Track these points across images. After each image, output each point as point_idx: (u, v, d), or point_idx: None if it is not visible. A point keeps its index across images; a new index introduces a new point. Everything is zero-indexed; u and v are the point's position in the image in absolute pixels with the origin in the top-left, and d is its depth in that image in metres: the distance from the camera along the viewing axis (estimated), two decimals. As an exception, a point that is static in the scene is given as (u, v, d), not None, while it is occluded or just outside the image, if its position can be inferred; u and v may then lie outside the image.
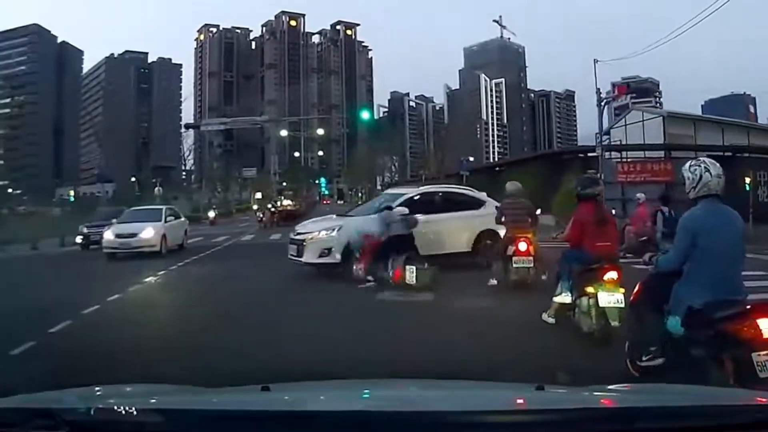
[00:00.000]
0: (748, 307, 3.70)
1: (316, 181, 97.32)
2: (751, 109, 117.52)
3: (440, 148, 69.26)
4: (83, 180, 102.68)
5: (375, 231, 10.73)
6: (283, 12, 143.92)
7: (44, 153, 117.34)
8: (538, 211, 10.78)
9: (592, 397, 2.13)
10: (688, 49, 63.81)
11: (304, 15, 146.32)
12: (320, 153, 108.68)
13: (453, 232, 11.99)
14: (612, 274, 6.24)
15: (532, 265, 9.58)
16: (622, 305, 5.89)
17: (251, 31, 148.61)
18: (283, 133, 62.39)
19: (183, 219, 20.72)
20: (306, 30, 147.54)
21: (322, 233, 11.54)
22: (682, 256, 4.02)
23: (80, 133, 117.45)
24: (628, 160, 28.52)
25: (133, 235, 16.95)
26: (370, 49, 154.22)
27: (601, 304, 6.13)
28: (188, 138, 78.78)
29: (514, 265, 9.57)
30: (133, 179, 75.27)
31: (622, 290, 5.99)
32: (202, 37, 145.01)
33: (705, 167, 4.00)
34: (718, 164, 4.05)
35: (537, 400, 2.00)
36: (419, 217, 11.06)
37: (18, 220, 40.77)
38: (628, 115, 35.66)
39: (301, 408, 1.94)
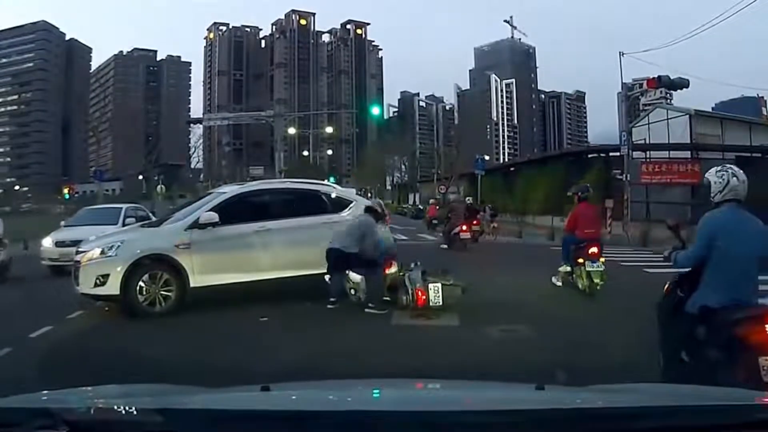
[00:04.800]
0: (761, 312, 3.75)
1: (325, 180, 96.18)
2: (764, 111, 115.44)
3: (451, 147, 68.24)
4: (91, 178, 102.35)
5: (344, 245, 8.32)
6: (293, 11, 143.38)
7: (52, 150, 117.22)
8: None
9: (592, 397, 2.16)
10: (695, 52, 62.61)
11: (314, 14, 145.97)
12: (329, 152, 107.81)
13: (297, 246, 8.69)
14: (593, 249, 9.45)
15: (469, 237, 18.68)
16: (602, 269, 9.41)
17: (261, 29, 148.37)
18: (291, 131, 61.42)
19: (153, 221, 15.55)
20: (316, 29, 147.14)
21: (96, 252, 8.30)
22: (700, 254, 4.01)
23: (88, 131, 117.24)
24: (652, 159, 27.30)
25: (77, 243, 12.12)
26: (381, 49, 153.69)
27: (587, 269, 9.44)
28: (195, 135, 78.18)
29: (461, 237, 18.31)
30: (140, 177, 74.52)
31: (603, 259, 9.56)
32: (211, 35, 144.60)
33: (732, 173, 4.03)
34: (742, 171, 4.09)
35: (537, 400, 2.02)
36: (243, 226, 8.59)
37: (20, 218, 39.88)
38: (652, 113, 34.36)
39: (301, 408, 1.94)
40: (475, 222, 20.61)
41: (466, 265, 12.88)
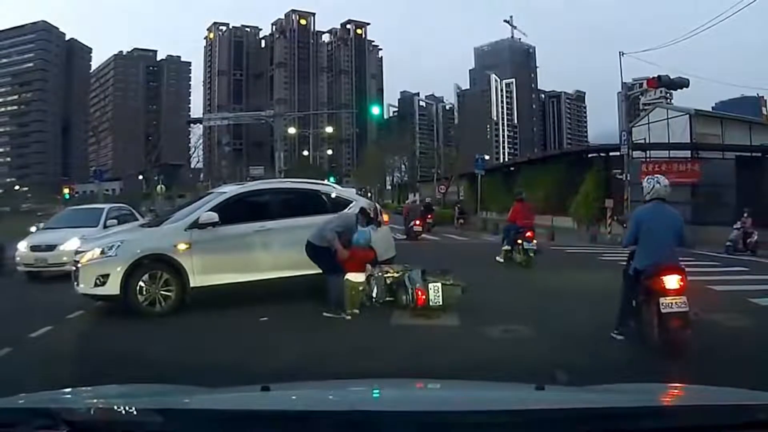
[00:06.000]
0: (659, 269, 5.74)
1: (325, 180, 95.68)
2: (764, 111, 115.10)
3: (451, 147, 68.14)
4: (91, 178, 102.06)
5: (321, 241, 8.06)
6: (293, 11, 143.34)
7: (52, 150, 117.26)
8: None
9: (592, 397, 2.20)
10: (695, 52, 62.69)
11: (314, 14, 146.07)
12: (329, 152, 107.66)
13: (297, 245, 8.30)
14: (529, 233, 13.31)
15: (422, 230, 23.21)
16: (536, 248, 13.52)
17: (261, 29, 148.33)
18: (291, 131, 61.36)
19: (139, 222, 13.78)
20: (316, 29, 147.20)
21: (96, 251, 8.29)
22: (633, 235, 6.12)
23: (88, 131, 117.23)
24: (652, 159, 27.19)
25: (52, 247, 12.14)
26: (380, 49, 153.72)
27: (525, 248, 13.31)
28: (195, 135, 78.11)
29: (414, 230, 22.53)
30: (140, 177, 74.42)
31: (535, 241, 13.63)
32: (211, 35, 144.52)
33: (657, 180, 6.04)
34: (665, 179, 6.09)
35: (537, 400, 2.04)
36: (243, 226, 8.65)
37: (19, 217, 39.79)
38: (652, 113, 34.31)
39: (301, 408, 1.94)
40: (429, 217, 25.70)
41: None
